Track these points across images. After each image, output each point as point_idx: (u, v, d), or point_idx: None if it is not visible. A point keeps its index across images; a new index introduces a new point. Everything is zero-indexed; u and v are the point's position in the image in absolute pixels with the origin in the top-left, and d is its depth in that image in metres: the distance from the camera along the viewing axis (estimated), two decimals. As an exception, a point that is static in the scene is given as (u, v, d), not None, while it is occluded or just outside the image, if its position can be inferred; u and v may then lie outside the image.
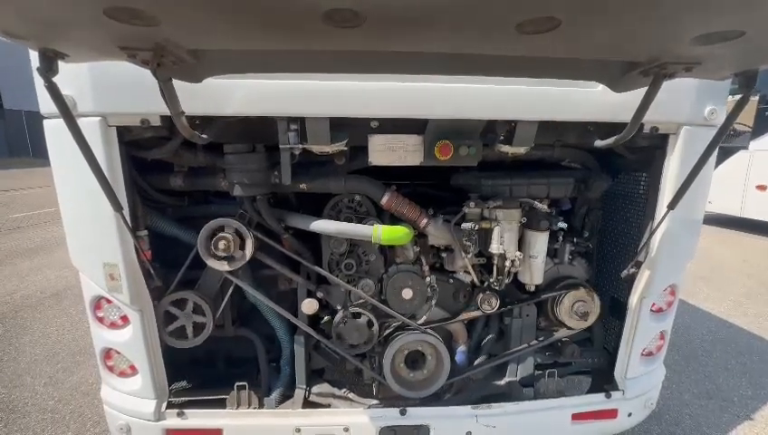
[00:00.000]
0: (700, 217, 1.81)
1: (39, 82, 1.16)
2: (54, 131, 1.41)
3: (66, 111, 1.03)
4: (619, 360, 1.94)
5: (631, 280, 1.81)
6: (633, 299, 1.82)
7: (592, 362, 2.12)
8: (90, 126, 1.35)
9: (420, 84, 1.43)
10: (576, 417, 1.89)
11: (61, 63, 0.95)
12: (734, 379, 3.35)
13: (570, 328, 1.93)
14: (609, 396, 1.93)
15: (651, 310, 1.87)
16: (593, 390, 2.03)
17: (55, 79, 0.96)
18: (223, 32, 0.88)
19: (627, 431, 2.53)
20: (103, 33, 0.83)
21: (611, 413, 1.93)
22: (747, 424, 2.82)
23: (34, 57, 0.96)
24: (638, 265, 1.77)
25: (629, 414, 1.96)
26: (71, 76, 1.29)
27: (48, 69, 0.92)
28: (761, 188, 7.64)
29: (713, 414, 2.91)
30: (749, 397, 3.12)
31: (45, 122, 1.42)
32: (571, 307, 1.87)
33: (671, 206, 1.52)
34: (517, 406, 1.87)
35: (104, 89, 1.35)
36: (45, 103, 1.34)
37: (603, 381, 2.03)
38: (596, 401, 1.92)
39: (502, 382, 2.03)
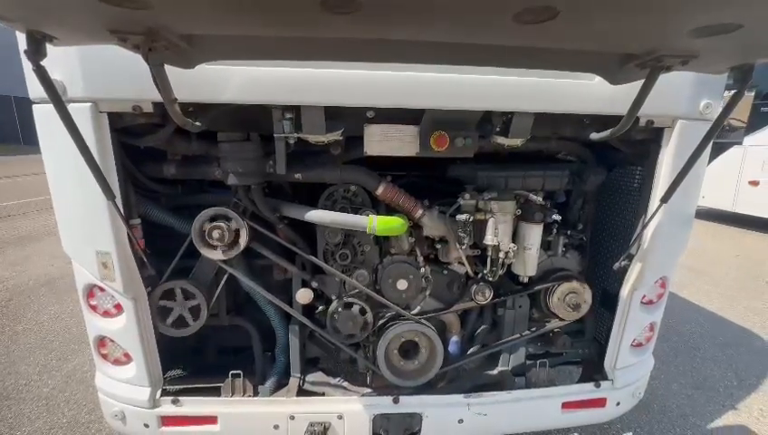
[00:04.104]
0: (692, 211, 1.83)
1: (27, 66, 1.13)
2: (44, 117, 1.39)
3: (55, 96, 1.01)
4: (609, 350, 1.97)
5: (623, 272, 1.83)
6: (624, 291, 1.85)
7: (583, 352, 2.15)
8: (80, 112, 1.33)
9: (417, 74, 1.42)
10: (566, 405, 1.93)
11: (50, 47, 0.93)
12: (720, 370, 3.43)
13: (562, 319, 1.96)
14: (598, 385, 1.96)
15: (642, 302, 1.90)
16: (583, 379, 2.07)
17: (44, 62, 0.93)
18: (216, 17, 0.86)
19: (616, 420, 2.59)
20: (93, 15, 0.81)
21: (600, 402, 1.97)
22: (731, 413, 2.90)
23: (22, 39, 0.94)
24: (631, 257, 1.79)
25: (618, 403, 2.00)
26: (60, 60, 1.27)
27: (36, 52, 0.90)
28: (753, 183, 7.72)
29: (699, 404, 2.98)
30: (734, 387, 3.20)
31: (35, 108, 1.39)
32: (564, 299, 1.90)
33: (664, 199, 1.53)
34: (508, 395, 1.90)
35: (95, 73, 1.33)
36: (34, 88, 1.31)
37: (593, 371, 2.07)
38: (585, 391, 1.96)
39: (494, 372, 2.06)
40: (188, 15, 0.85)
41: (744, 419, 2.85)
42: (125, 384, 1.75)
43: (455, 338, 2.01)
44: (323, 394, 1.91)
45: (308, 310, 1.92)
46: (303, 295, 1.82)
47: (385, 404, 1.83)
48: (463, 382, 2.01)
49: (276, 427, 1.78)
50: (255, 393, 1.87)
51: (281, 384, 1.93)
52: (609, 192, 2.09)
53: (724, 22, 0.78)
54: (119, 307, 1.66)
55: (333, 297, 1.86)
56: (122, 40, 0.91)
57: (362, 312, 1.81)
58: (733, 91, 1.17)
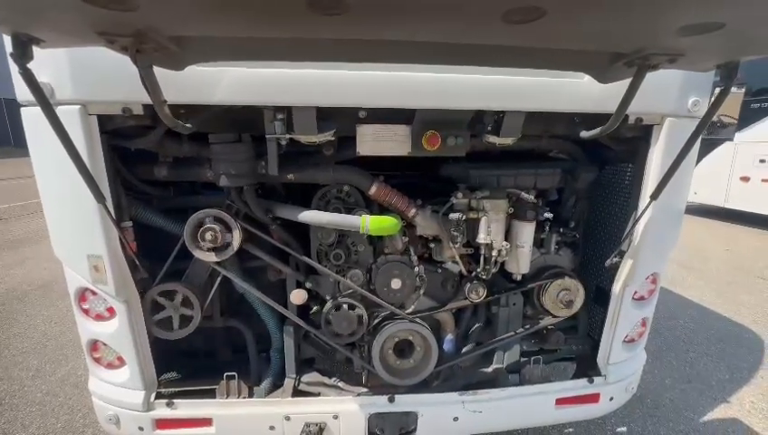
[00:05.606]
0: (682, 207, 1.85)
1: (14, 69, 1.12)
2: (32, 120, 1.37)
3: (43, 99, 1.01)
4: (602, 346, 1.99)
5: (615, 269, 1.85)
6: (616, 287, 1.86)
7: (576, 348, 2.17)
8: (69, 115, 1.32)
9: (408, 74, 1.42)
10: (560, 402, 1.94)
11: (37, 49, 0.92)
12: (712, 364, 3.47)
13: (555, 316, 1.97)
14: (591, 381, 1.98)
15: (633, 298, 1.92)
16: (577, 375, 2.09)
17: (31, 65, 0.93)
18: (205, 18, 0.86)
19: (610, 415, 2.62)
20: (79, 17, 0.80)
21: (594, 398, 1.98)
22: (723, 406, 2.94)
23: (8, 42, 0.93)
24: (622, 254, 1.81)
25: (611, 398, 2.02)
26: (48, 62, 1.26)
27: (22, 55, 0.89)
28: (744, 179, 7.82)
29: (691, 398, 3.02)
30: (726, 380, 3.24)
31: (23, 110, 1.37)
32: (557, 296, 1.91)
33: (654, 196, 1.55)
34: (503, 392, 1.92)
35: (84, 76, 1.31)
36: (22, 91, 1.29)
37: (587, 366, 2.08)
38: (579, 387, 1.98)
39: (489, 369, 2.07)
40: (176, 17, 0.85)
41: (736, 411, 2.89)
42: (119, 388, 1.74)
43: (449, 336, 2.01)
44: (319, 394, 1.90)
45: (302, 310, 1.92)
46: (298, 296, 1.82)
47: (380, 403, 1.83)
48: (458, 380, 2.02)
49: (272, 428, 1.78)
50: (251, 395, 1.87)
51: (276, 385, 1.93)
52: (600, 190, 2.11)
53: (707, 21, 0.79)
54: (111, 311, 1.64)
55: (328, 298, 1.86)
56: (110, 42, 0.90)
57: (357, 312, 1.82)
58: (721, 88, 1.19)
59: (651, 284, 1.96)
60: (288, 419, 1.77)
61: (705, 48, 0.99)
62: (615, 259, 1.81)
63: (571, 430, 2.64)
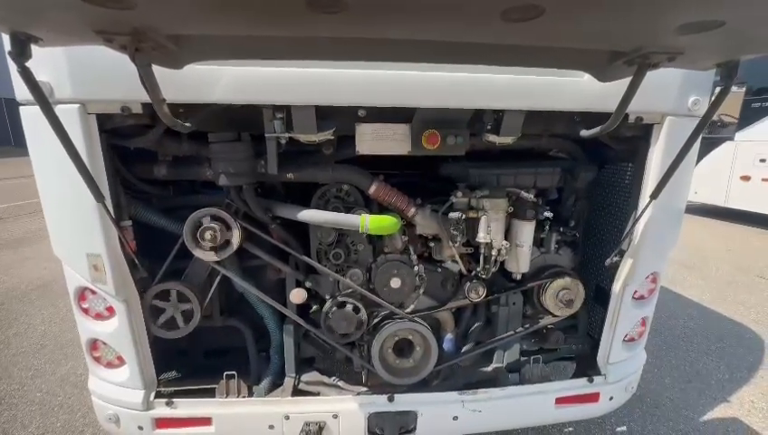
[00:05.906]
0: (682, 206, 1.85)
1: (13, 68, 1.12)
2: (32, 119, 1.37)
3: (42, 98, 1.00)
4: (602, 345, 1.99)
5: (615, 268, 1.85)
6: (616, 287, 1.86)
7: (576, 348, 2.17)
8: (68, 114, 1.32)
9: (407, 73, 1.42)
10: (559, 401, 1.94)
11: (36, 48, 0.92)
12: (712, 363, 3.47)
13: (555, 315, 1.97)
14: (591, 381, 1.98)
15: (633, 297, 1.92)
16: (577, 375, 2.09)
17: (30, 64, 0.93)
18: (203, 17, 0.85)
19: (610, 414, 2.62)
20: (78, 16, 0.80)
21: (593, 397, 1.98)
22: (723, 406, 2.94)
23: (7, 41, 0.93)
24: (622, 253, 1.81)
25: (611, 398, 2.02)
26: (47, 61, 1.25)
27: (20, 53, 0.89)
28: (745, 178, 7.81)
29: (691, 397, 3.02)
30: (726, 380, 3.24)
31: (22, 109, 1.37)
32: (556, 295, 1.91)
33: (654, 195, 1.55)
34: (502, 391, 1.91)
35: (83, 74, 1.31)
36: (21, 90, 1.29)
37: (586, 366, 2.08)
38: (579, 386, 1.98)
39: (488, 369, 2.07)
40: (174, 15, 0.84)
41: (736, 411, 2.89)
42: (119, 387, 1.74)
43: (449, 336, 2.01)
44: (318, 394, 1.90)
45: (302, 310, 1.91)
46: (297, 295, 1.82)
47: (380, 403, 1.83)
48: (457, 380, 2.02)
49: (271, 427, 1.78)
50: (250, 394, 1.87)
51: (276, 384, 1.93)
52: (600, 189, 2.11)
53: (706, 19, 0.79)
54: (111, 310, 1.64)
55: (327, 297, 1.86)
56: (108, 41, 0.90)
57: (356, 311, 1.81)
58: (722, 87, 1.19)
59: (651, 283, 1.96)
60: (288, 418, 1.77)
61: (705, 46, 0.99)
62: (615, 258, 1.81)
63: (570, 429, 2.64)
